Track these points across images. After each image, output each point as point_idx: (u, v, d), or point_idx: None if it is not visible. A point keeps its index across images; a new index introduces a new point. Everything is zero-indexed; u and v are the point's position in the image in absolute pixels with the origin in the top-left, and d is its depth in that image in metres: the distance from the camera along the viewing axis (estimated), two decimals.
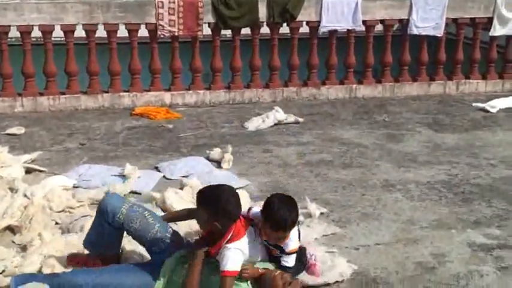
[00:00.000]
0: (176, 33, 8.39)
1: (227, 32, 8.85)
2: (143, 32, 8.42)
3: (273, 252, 3.80)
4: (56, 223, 4.81)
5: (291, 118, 7.86)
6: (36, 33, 8.12)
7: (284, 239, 3.71)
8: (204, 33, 8.54)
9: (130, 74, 8.56)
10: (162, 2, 8.18)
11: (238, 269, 3.52)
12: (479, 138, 7.41)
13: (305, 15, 8.81)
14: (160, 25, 8.28)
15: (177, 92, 8.69)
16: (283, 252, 3.77)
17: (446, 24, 9.36)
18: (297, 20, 8.81)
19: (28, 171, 5.90)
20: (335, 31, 9.01)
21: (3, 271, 4.00)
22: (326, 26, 8.88)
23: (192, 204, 4.95)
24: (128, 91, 8.56)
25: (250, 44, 8.87)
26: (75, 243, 4.23)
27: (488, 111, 8.54)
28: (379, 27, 9.33)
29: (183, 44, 8.69)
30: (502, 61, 9.97)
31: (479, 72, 9.85)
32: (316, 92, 9.17)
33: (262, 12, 8.60)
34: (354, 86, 9.30)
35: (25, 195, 5.04)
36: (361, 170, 6.22)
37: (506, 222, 5.09)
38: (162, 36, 8.37)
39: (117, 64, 8.47)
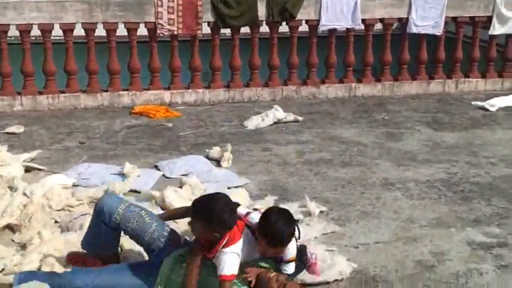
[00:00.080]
0: (175, 32, 8.38)
1: (226, 31, 8.85)
2: (142, 31, 8.41)
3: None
4: (56, 222, 4.81)
5: (291, 117, 7.86)
6: (35, 32, 8.12)
7: (281, 252, 3.71)
8: (203, 32, 8.54)
9: (130, 72, 8.56)
10: (161, 1, 8.17)
11: (236, 272, 3.53)
12: (478, 136, 7.41)
13: (304, 14, 8.81)
14: (160, 24, 8.28)
15: (177, 91, 8.68)
16: (281, 261, 3.76)
17: (446, 23, 9.36)
18: (297, 18, 8.80)
19: (27, 169, 5.90)
20: (334, 30, 9.00)
21: (3, 269, 4.00)
22: (325, 24, 8.88)
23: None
24: (127, 90, 8.56)
25: (249, 43, 8.87)
26: (75, 242, 4.22)
27: (487, 110, 8.54)
28: (378, 26, 9.33)
29: (182, 42, 8.69)
30: (502, 60, 9.98)
31: (478, 71, 9.85)
32: (315, 90, 9.17)
33: (262, 11, 8.60)
34: (354, 84, 9.30)
35: (24, 194, 5.04)
36: (361, 169, 6.22)
37: (505, 220, 5.09)
38: (161, 35, 8.36)
39: (117, 63, 8.47)
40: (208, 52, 8.76)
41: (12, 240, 4.53)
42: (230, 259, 3.51)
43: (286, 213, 3.71)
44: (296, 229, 3.83)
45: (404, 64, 9.50)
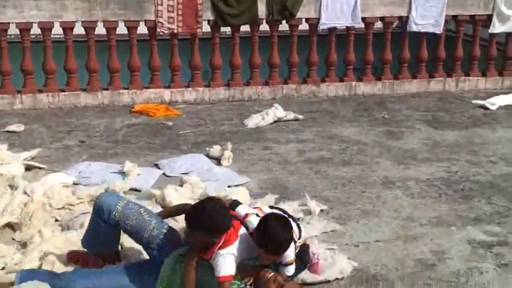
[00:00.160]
0: (175, 31, 8.38)
1: (226, 29, 8.84)
2: (142, 29, 8.41)
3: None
4: (56, 220, 4.81)
5: (291, 115, 7.86)
6: (35, 30, 8.12)
7: (279, 259, 3.70)
8: (203, 31, 8.54)
9: (130, 71, 8.56)
10: None
11: (233, 272, 3.54)
12: (479, 135, 7.41)
13: (304, 12, 8.80)
14: (160, 22, 8.27)
15: (177, 89, 8.68)
16: (280, 264, 3.75)
17: (446, 21, 9.36)
18: (297, 17, 8.80)
19: (28, 168, 5.89)
20: (334, 28, 9.00)
21: (3, 268, 4.00)
22: (325, 23, 8.88)
23: (192, 201, 4.96)
24: (127, 88, 8.55)
25: (249, 41, 8.86)
26: (75, 240, 4.23)
27: (487, 109, 8.54)
28: (378, 25, 9.33)
29: (182, 41, 8.68)
30: (502, 58, 9.97)
31: (478, 70, 9.85)
32: (315, 89, 9.17)
33: (262, 9, 8.59)
34: (354, 83, 9.30)
35: (25, 193, 5.05)
36: (361, 167, 6.22)
37: (506, 219, 5.09)
38: (161, 33, 8.36)
39: (117, 61, 8.46)
40: (208, 50, 8.75)
41: (13, 239, 4.53)
42: (226, 260, 3.53)
43: (282, 221, 3.66)
44: (294, 232, 3.83)
45: (404, 63, 9.50)
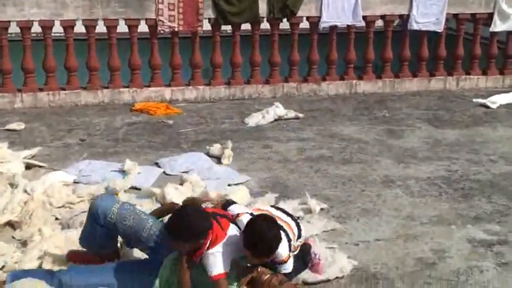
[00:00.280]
0: (176, 29, 8.37)
1: (227, 28, 8.84)
2: (143, 28, 8.40)
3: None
4: (56, 219, 4.81)
5: (291, 114, 7.86)
6: (36, 28, 8.11)
7: (268, 260, 3.67)
8: (204, 29, 8.53)
9: (130, 69, 8.55)
10: None
11: (226, 269, 3.54)
12: (479, 134, 7.40)
13: (305, 10, 8.79)
14: (160, 20, 8.27)
15: (177, 88, 8.68)
16: (275, 263, 3.74)
17: (447, 20, 9.35)
18: (297, 15, 8.79)
19: (28, 166, 5.89)
20: (335, 27, 8.99)
21: (3, 266, 4.00)
22: (326, 21, 8.87)
23: None
24: (127, 87, 8.55)
25: (250, 40, 8.86)
26: (75, 239, 4.21)
27: (488, 107, 8.53)
28: (379, 23, 9.32)
29: (183, 39, 8.68)
30: (503, 57, 9.96)
31: (479, 68, 9.84)
32: (316, 87, 9.16)
33: (263, 7, 8.58)
34: (354, 81, 9.30)
35: (25, 191, 5.05)
36: (361, 166, 6.22)
37: (506, 218, 5.09)
38: (162, 31, 8.35)
39: (117, 60, 8.46)
40: (209, 49, 8.75)
41: (13, 237, 4.54)
42: (216, 259, 3.54)
43: (267, 225, 3.59)
44: (293, 231, 3.83)
45: (405, 61, 9.49)
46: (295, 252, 3.95)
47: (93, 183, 5.50)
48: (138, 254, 4.09)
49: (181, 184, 5.40)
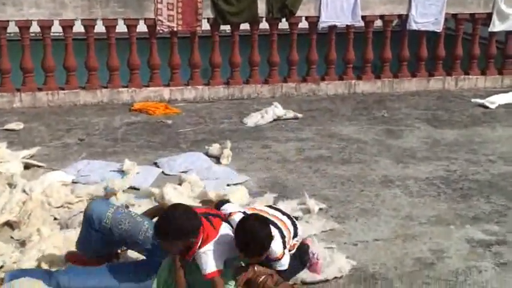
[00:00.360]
0: (175, 29, 8.37)
1: (226, 28, 8.84)
2: (142, 28, 8.40)
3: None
4: (55, 218, 4.81)
5: (290, 114, 7.86)
6: (35, 28, 8.11)
7: (261, 259, 3.66)
8: (203, 29, 8.53)
9: (129, 69, 8.55)
10: None
11: (219, 267, 3.54)
12: (478, 134, 7.40)
13: (304, 10, 8.79)
14: (159, 20, 8.27)
15: (176, 88, 8.68)
16: (270, 260, 3.74)
17: (446, 20, 9.35)
18: (296, 15, 8.79)
19: (27, 166, 5.89)
20: (334, 27, 8.99)
21: (2, 266, 4.00)
22: (325, 21, 8.87)
23: (191, 200, 4.97)
24: (126, 86, 8.54)
25: (249, 40, 8.86)
26: (74, 239, 4.20)
27: (487, 107, 8.54)
28: (378, 23, 9.32)
29: (182, 39, 8.67)
30: (502, 57, 9.97)
31: (478, 68, 9.84)
32: (315, 87, 9.16)
33: (262, 7, 8.58)
34: (353, 81, 9.29)
35: (24, 191, 5.05)
36: (360, 166, 6.22)
37: (504, 218, 5.09)
38: (161, 31, 8.35)
39: (116, 59, 8.46)
40: (207, 49, 8.75)
41: (12, 237, 4.54)
42: (208, 257, 3.53)
43: (259, 224, 3.59)
44: (288, 229, 3.83)
45: (404, 61, 9.49)
46: (292, 251, 3.96)
47: (92, 183, 5.50)
48: (135, 255, 4.08)
49: (180, 184, 5.40)
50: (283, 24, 8.93)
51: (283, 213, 4.06)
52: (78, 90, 8.36)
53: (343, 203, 5.32)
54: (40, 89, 8.26)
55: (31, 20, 7.99)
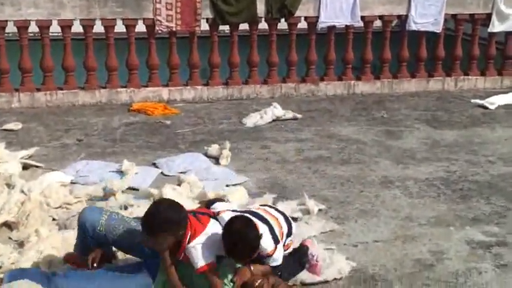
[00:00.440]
0: (174, 29, 8.36)
1: (225, 28, 8.83)
2: (141, 28, 8.38)
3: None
4: (53, 219, 4.79)
5: (289, 114, 7.85)
6: (33, 28, 8.09)
7: (249, 259, 3.64)
8: (202, 29, 8.51)
9: (128, 69, 8.54)
10: None
11: (206, 261, 3.51)
12: (478, 135, 7.39)
13: (303, 10, 8.78)
14: (158, 20, 8.25)
15: (175, 88, 8.66)
16: (262, 258, 3.72)
17: (445, 20, 9.35)
18: (295, 15, 8.78)
19: (25, 167, 5.88)
20: (333, 27, 8.98)
21: (0, 267, 3.98)
22: (324, 21, 8.86)
23: (190, 200, 4.95)
24: (125, 87, 8.53)
25: (248, 40, 8.85)
26: (72, 240, 4.18)
27: (487, 108, 8.53)
28: (377, 23, 9.31)
29: (180, 39, 8.66)
30: (501, 57, 9.96)
31: (478, 69, 9.84)
32: (314, 88, 9.15)
33: (261, 8, 8.58)
34: (353, 82, 9.28)
35: (22, 191, 5.03)
36: (360, 167, 6.21)
37: (504, 219, 5.08)
38: (159, 31, 8.34)
39: (115, 59, 8.44)
40: (206, 49, 8.73)
41: (10, 238, 4.52)
42: (197, 251, 3.52)
43: (244, 226, 3.55)
44: (282, 227, 3.82)
45: (403, 61, 9.48)
46: (288, 251, 3.94)
47: (90, 183, 5.48)
48: (133, 258, 4.06)
49: (179, 185, 5.38)
50: (283, 25, 8.93)
51: (279, 211, 4.05)
52: (77, 91, 8.35)
53: (342, 203, 5.30)
54: (38, 89, 8.24)
55: (29, 20, 7.97)
